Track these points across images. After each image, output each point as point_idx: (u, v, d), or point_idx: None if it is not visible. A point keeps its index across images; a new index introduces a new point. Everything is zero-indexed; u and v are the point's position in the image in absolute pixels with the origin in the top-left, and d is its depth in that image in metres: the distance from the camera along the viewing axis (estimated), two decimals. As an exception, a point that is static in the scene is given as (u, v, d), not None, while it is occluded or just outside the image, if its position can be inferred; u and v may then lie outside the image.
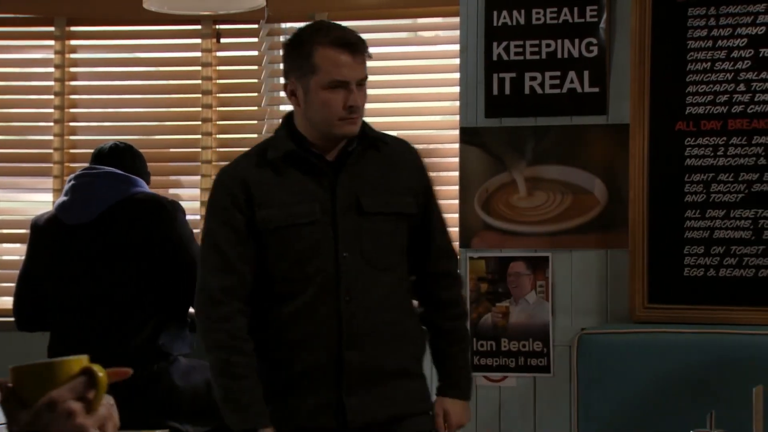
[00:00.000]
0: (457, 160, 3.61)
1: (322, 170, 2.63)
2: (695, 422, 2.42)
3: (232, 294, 2.61)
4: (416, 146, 2.79)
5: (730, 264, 3.29)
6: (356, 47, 2.59)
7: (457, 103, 3.64)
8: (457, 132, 3.62)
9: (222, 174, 2.70)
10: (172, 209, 3.45)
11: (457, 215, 3.57)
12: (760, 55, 3.30)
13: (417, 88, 4.04)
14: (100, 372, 1.16)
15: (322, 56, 2.58)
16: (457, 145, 3.61)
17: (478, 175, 3.55)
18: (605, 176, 3.44)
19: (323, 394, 2.61)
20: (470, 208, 3.55)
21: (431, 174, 2.79)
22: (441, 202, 3.63)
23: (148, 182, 3.54)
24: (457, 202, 3.59)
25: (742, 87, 3.31)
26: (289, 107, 3.97)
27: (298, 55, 2.61)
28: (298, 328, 2.62)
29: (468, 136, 3.57)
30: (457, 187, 3.60)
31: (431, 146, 3.82)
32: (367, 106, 3.85)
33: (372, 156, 2.67)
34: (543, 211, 3.48)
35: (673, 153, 3.35)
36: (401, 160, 2.71)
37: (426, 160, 2.79)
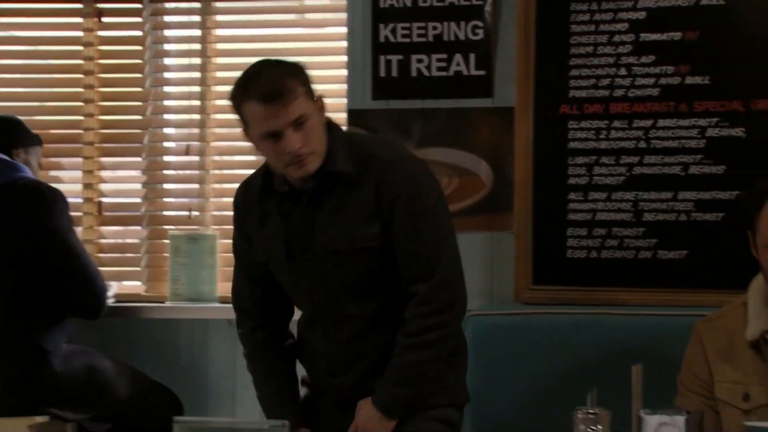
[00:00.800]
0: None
1: (287, 209, 2.66)
2: (578, 401, 2.47)
3: (246, 314, 2.81)
4: (391, 158, 2.64)
5: (611, 246, 3.36)
6: (276, 96, 2.54)
7: (345, 86, 3.65)
8: (344, 115, 3.62)
9: (236, 192, 2.81)
10: (52, 199, 3.39)
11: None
12: (641, 39, 3.37)
13: (304, 71, 4.03)
14: None
15: (248, 111, 2.58)
16: (344, 128, 3.61)
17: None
18: (491, 159, 3.48)
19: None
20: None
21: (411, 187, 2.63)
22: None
23: (39, 144, 3.50)
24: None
25: (623, 71, 3.38)
26: (174, 89, 3.94)
27: (234, 111, 2.63)
28: (302, 346, 2.82)
29: (355, 118, 3.58)
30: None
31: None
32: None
33: (334, 190, 2.63)
34: None
35: (557, 136, 3.41)
36: (363, 185, 2.61)
37: (401, 172, 2.62)
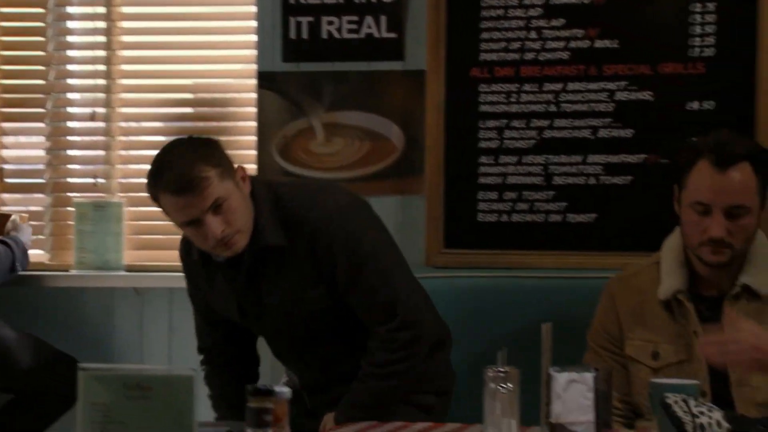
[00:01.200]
0: (254, 109, 3.57)
1: (231, 275, 2.66)
2: (489, 361, 2.49)
3: (209, 353, 2.86)
4: (319, 218, 2.60)
5: (522, 209, 3.38)
6: (187, 187, 2.50)
7: (254, 52, 3.60)
8: (254, 81, 3.58)
9: (180, 248, 2.79)
10: None
11: (255, 165, 3.55)
12: (550, 3, 3.39)
13: (212, 35, 3.97)
14: None
15: (164, 202, 2.56)
16: (254, 94, 3.58)
17: (275, 121, 3.52)
18: (402, 122, 3.47)
19: None
20: (268, 155, 3.53)
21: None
22: (237, 152, 3.64)
23: None
24: (255, 152, 3.56)
25: (533, 34, 3.39)
26: (78, 54, 3.83)
27: (151, 199, 2.60)
28: None
29: (265, 81, 3.54)
30: (254, 137, 3.57)
31: (227, 95, 3.76)
32: (162, 53, 3.79)
33: (269, 260, 2.62)
34: (341, 158, 3.50)
35: (468, 99, 3.41)
36: (297, 253, 2.60)
37: (331, 233, 2.59)
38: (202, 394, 2.76)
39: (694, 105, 3.28)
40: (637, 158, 3.33)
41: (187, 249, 2.74)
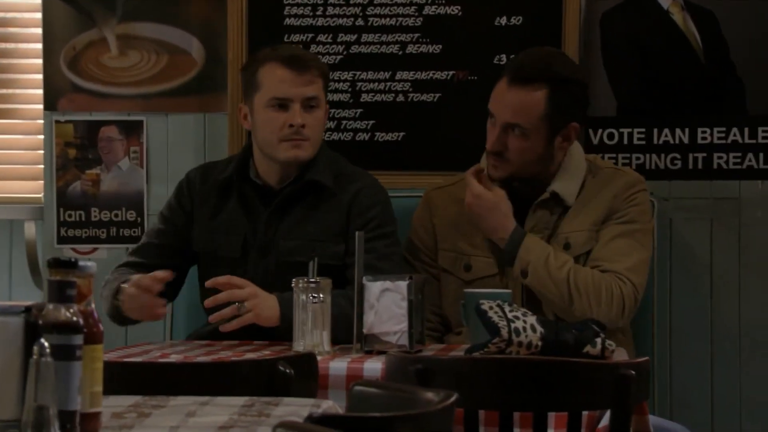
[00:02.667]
0: (39, 15, 3.36)
1: (253, 207, 2.66)
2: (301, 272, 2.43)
3: (131, 266, 2.74)
4: (366, 185, 2.71)
5: (328, 127, 3.29)
6: (301, 64, 2.62)
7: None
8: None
9: (189, 174, 2.80)
10: None
11: (40, 76, 3.35)
12: None
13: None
14: None
15: (265, 73, 2.63)
16: (38, 0, 3.37)
17: (63, 32, 3.34)
18: (203, 36, 3.34)
19: None
20: (55, 68, 3.35)
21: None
22: (21, 61, 3.42)
23: None
24: (40, 61, 3.36)
25: (340, -56, 3.32)
26: None
27: (246, 74, 2.70)
28: None
29: (52, -14, 3.34)
30: (39, 45, 3.36)
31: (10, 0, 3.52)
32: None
33: (307, 198, 2.66)
34: (136, 72, 3.36)
35: (273, 12, 3.30)
36: (336, 203, 2.67)
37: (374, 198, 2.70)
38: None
39: (503, 20, 3.27)
40: (446, 75, 3.30)
41: (202, 174, 2.76)
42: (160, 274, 2.51)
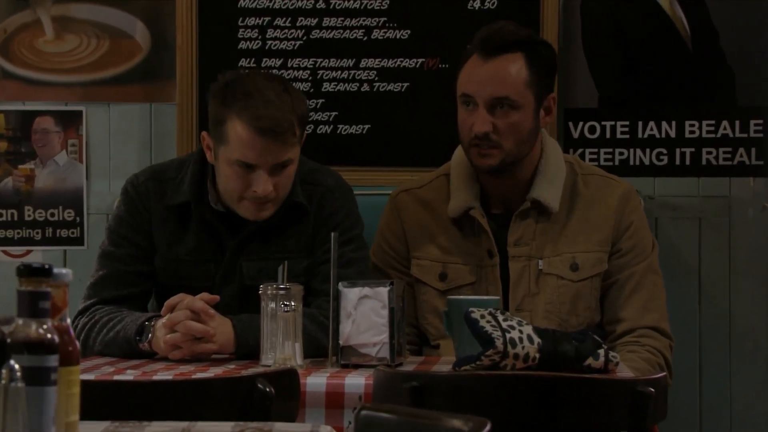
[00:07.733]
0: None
1: (218, 231, 2.54)
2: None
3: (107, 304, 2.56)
4: (332, 186, 2.61)
5: (286, 119, 3.20)
6: (275, 135, 2.41)
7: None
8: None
9: (138, 190, 2.58)
10: None
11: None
12: None
13: None
14: None
15: (233, 131, 2.43)
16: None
17: (-7, 13, 3.29)
18: (148, 19, 3.30)
19: None
20: (-18, 52, 3.31)
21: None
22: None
23: None
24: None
25: None
26: None
27: (215, 113, 2.48)
28: None
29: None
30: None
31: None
32: None
33: (277, 215, 2.53)
34: (75, 58, 3.32)
35: (225, -7, 3.27)
36: (305, 215, 2.56)
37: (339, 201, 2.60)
38: None
39: (476, 4, 3.24)
40: (414, 62, 3.26)
41: (158, 190, 2.57)
42: (208, 296, 2.36)
